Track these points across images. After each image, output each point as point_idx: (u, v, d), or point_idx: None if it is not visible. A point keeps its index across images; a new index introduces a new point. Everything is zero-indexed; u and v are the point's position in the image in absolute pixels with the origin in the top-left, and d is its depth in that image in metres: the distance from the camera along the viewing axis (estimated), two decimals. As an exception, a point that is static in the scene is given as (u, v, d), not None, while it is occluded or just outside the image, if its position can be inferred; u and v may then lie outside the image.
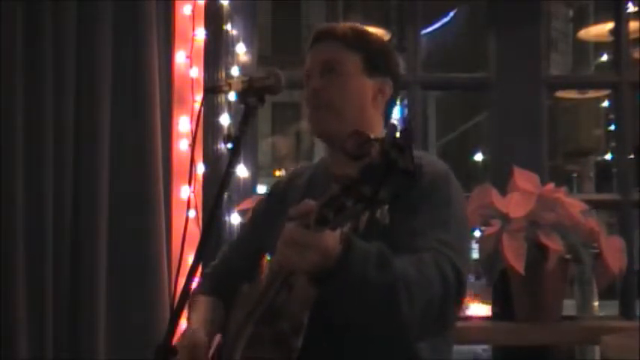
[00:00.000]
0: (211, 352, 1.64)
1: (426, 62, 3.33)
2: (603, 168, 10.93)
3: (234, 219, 2.77)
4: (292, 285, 1.41)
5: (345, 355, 1.49)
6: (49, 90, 2.66)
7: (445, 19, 14.24)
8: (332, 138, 1.66)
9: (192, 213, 2.68)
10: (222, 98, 2.82)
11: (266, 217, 1.78)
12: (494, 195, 2.58)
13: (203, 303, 1.72)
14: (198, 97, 2.80)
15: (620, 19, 3.12)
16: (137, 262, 2.68)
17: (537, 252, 2.49)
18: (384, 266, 1.33)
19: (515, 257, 2.45)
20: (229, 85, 1.54)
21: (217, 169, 2.80)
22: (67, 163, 2.67)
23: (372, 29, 1.83)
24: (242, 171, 2.84)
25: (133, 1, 2.75)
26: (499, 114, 3.03)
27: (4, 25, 2.66)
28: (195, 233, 2.41)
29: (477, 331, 2.75)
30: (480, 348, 5.73)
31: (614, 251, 2.58)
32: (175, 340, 1.34)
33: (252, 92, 1.51)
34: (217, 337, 1.66)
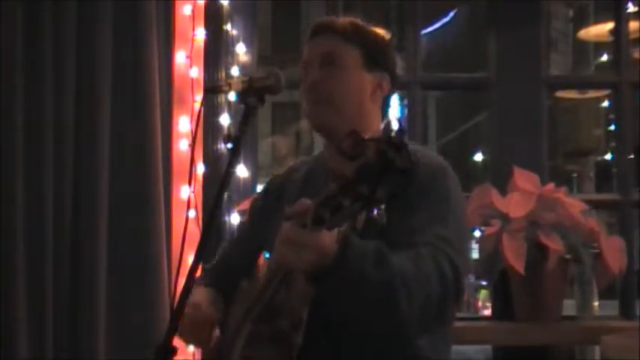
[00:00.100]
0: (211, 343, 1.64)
1: (426, 62, 3.33)
2: (603, 168, 10.93)
3: (234, 219, 2.77)
4: (291, 282, 1.41)
5: (344, 352, 1.49)
6: (49, 90, 2.66)
7: (445, 19, 14.24)
8: (331, 132, 1.66)
9: (192, 213, 2.68)
10: (222, 98, 2.82)
11: (263, 213, 1.78)
12: (494, 195, 2.58)
13: (204, 289, 1.71)
14: (198, 97, 2.80)
15: (620, 19, 3.12)
16: (137, 262, 2.68)
17: (537, 252, 2.49)
18: (382, 263, 1.33)
19: (515, 257, 2.46)
20: (229, 85, 1.54)
21: (217, 169, 2.80)
22: (67, 163, 2.67)
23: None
24: (242, 171, 2.84)
25: (133, 1, 2.75)
26: (499, 114, 3.03)
27: (4, 25, 2.66)
28: (195, 233, 2.41)
29: (477, 331, 2.75)
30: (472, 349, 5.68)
31: (614, 251, 2.58)
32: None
33: (252, 92, 1.51)
34: (216, 333, 1.65)
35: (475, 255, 2.76)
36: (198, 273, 1.77)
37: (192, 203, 2.65)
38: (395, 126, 1.21)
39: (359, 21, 1.71)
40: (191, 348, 2.48)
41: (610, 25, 3.56)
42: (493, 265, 2.56)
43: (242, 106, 1.51)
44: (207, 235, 1.45)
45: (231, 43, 2.90)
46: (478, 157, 12.83)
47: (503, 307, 2.74)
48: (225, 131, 2.80)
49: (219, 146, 2.83)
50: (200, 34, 2.85)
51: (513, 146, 2.95)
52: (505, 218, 2.54)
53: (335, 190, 1.19)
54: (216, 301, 1.66)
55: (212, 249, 1.94)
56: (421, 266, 1.38)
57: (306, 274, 1.32)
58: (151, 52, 2.74)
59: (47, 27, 2.68)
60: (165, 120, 2.79)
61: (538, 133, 2.99)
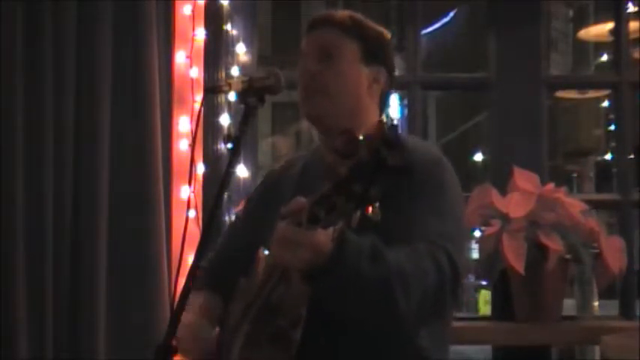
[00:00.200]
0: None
1: (426, 62, 3.33)
2: (603, 168, 10.92)
3: (234, 219, 2.77)
4: (289, 280, 1.41)
5: (343, 349, 1.49)
6: (49, 90, 2.66)
7: (445, 19, 14.24)
8: (326, 124, 1.66)
9: (192, 213, 2.68)
10: (222, 98, 2.82)
11: (260, 207, 1.78)
12: (494, 195, 2.58)
13: (200, 297, 1.71)
14: (198, 97, 2.80)
15: (620, 19, 3.12)
16: (137, 262, 2.67)
17: (537, 252, 2.49)
18: (378, 260, 1.33)
19: (515, 257, 2.46)
20: (229, 85, 1.54)
21: (217, 169, 2.80)
22: (67, 163, 2.67)
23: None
24: (242, 171, 2.84)
25: (133, 1, 2.75)
26: (499, 114, 3.03)
27: (4, 25, 2.66)
28: (195, 233, 2.41)
29: (477, 331, 2.75)
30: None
31: (614, 251, 2.58)
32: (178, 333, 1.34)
33: (252, 92, 1.50)
34: (216, 331, 1.66)
35: (475, 255, 2.76)
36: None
37: (192, 203, 2.65)
38: (388, 122, 1.21)
39: (358, 15, 1.70)
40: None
41: (610, 25, 3.56)
42: (493, 265, 2.56)
43: (242, 106, 1.51)
44: (207, 235, 1.45)
45: (231, 43, 2.90)
46: (478, 157, 12.82)
47: (503, 307, 2.74)
48: (225, 131, 2.79)
49: (219, 146, 2.83)
50: (200, 34, 2.85)
51: (513, 146, 2.95)
52: (505, 218, 2.54)
53: (329, 189, 1.20)
54: (213, 312, 1.66)
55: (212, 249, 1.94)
56: (418, 261, 1.38)
57: (303, 273, 1.32)
58: (151, 52, 2.74)
59: (47, 27, 2.68)
60: (165, 120, 2.79)
61: (538, 133, 2.99)
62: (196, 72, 2.84)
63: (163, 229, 2.70)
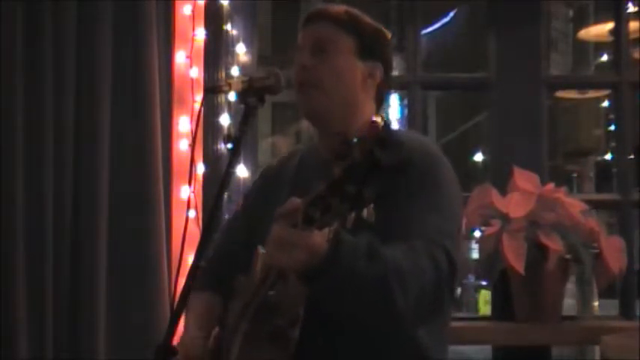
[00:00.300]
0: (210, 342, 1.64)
1: (426, 62, 3.33)
2: (603, 168, 10.92)
3: (234, 219, 2.77)
4: (286, 279, 1.41)
5: (342, 349, 1.49)
6: (49, 90, 2.67)
7: (445, 19, 14.22)
8: (320, 118, 1.66)
9: (192, 213, 2.68)
10: (222, 98, 2.82)
11: (258, 202, 1.78)
12: (494, 195, 2.59)
13: (199, 302, 1.71)
14: (198, 97, 2.80)
15: (620, 19, 3.12)
16: (137, 262, 2.68)
17: (537, 252, 2.49)
18: (374, 259, 1.33)
19: (515, 257, 2.46)
20: (229, 85, 1.54)
21: (217, 169, 2.80)
22: (67, 163, 2.67)
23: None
24: (242, 171, 2.84)
25: (133, 1, 2.75)
26: (499, 114, 3.03)
27: (4, 25, 2.66)
28: (195, 233, 2.41)
29: (477, 331, 2.75)
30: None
31: (614, 251, 2.58)
32: (175, 341, 1.34)
33: (252, 92, 1.51)
34: (215, 330, 1.66)
35: (475, 255, 2.76)
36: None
37: (192, 203, 2.65)
38: (381, 121, 1.20)
39: (354, 10, 1.70)
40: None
41: (610, 25, 3.56)
42: (493, 265, 2.56)
43: (242, 106, 1.51)
44: (207, 235, 1.45)
45: (231, 43, 2.90)
46: (478, 157, 12.81)
47: (503, 307, 2.74)
48: (225, 131, 2.79)
49: (219, 146, 2.83)
50: (200, 34, 2.85)
51: (513, 146, 2.95)
52: (505, 218, 2.54)
53: (324, 190, 1.20)
54: (210, 316, 1.66)
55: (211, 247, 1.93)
56: (415, 259, 1.38)
57: (299, 274, 1.32)
58: (151, 52, 2.74)
59: (47, 27, 2.68)
60: (165, 120, 2.79)
61: (538, 133, 2.99)
62: (196, 72, 2.84)
63: (163, 229, 2.71)
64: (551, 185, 2.64)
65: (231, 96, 2.77)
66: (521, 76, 2.99)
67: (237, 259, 1.65)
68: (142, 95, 2.72)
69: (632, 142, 3.06)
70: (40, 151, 2.64)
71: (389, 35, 1.73)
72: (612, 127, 5.50)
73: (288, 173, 1.74)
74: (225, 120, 2.83)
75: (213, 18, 2.88)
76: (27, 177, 2.63)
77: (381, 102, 1.73)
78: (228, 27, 2.90)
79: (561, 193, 2.60)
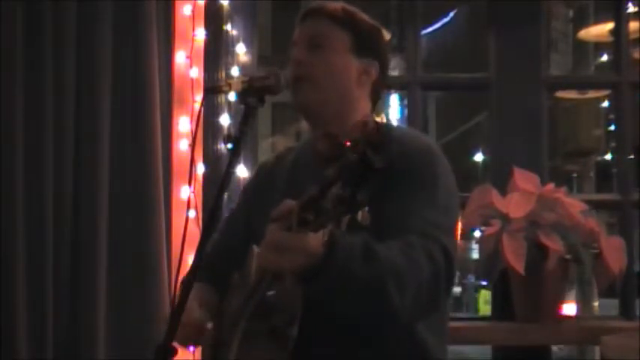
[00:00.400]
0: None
1: (426, 62, 3.32)
2: (603, 168, 10.92)
3: (234, 219, 2.77)
4: (283, 279, 1.41)
5: (341, 347, 1.49)
6: (49, 90, 2.66)
7: (445, 19, 14.22)
8: (313, 113, 1.66)
9: (192, 213, 2.68)
10: (222, 98, 2.83)
11: (255, 199, 1.78)
12: (495, 195, 2.58)
13: (196, 288, 1.70)
14: (198, 97, 2.80)
15: (620, 19, 3.12)
16: (137, 262, 2.68)
17: (537, 252, 2.49)
18: (370, 258, 1.32)
19: (515, 257, 2.46)
20: (229, 85, 1.54)
21: (217, 169, 2.80)
22: (67, 163, 2.67)
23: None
24: (242, 171, 2.84)
25: (133, 1, 2.75)
26: (499, 114, 3.03)
27: (4, 25, 2.66)
28: (195, 233, 2.41)
29: (477, 331, 2.75)
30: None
31: (614, 251, 2.58)
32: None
33: (252, 92, 1.50)
34: (207, 330, 1.65)
35: (475, 255, 2.76)
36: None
37: (192, 203, 2.65)
38: (373, 122, 1.19)
39: (351, 7, 1.70)
40: (191, 348, 2.48)
41: (610, 25, 3.56)
42: (493, 265, 2.56)
43: (242, 106, 1.51)
44: (207, 235, 1.45)
45: (231, 43, 2.90)
46: (478, 157, 12.82)
47: (503, 307, 2.74)
48: (225, 131, 2.80)
49: (219, 146, 2.84)
50: (200, 34, 2.85)
51: (513, 146, 2.95)
52: (505, 218, 2.54)
53: (318, 192, 1.20)
54: (207, 300, 1.66)
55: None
56: (412, 255, 1.38)
57: (295, 276, 1.32)
58: (151, 52, 2.74)
59: (47, 27, 2.68)
60: (165, 120, 2.79)
61: (538, 133, 2.99)
62: (196, 72, 2.84)
63: (163, 229, 2.71)
64: (551, 185, 2.64)
65: (231, 96, 2.77)
66: (521, 77, 2.99)
67: (235, 256, 1.65)
68: (142, 95, 2.72)
69: (632, 142, 3.06)
70: (40, 151, 2.64)
71: (386, 33, 1.73)
72: (612, 127, 5.51)
73: (284, 169, 1.74)
74: (225, 120, 2.83)
75: (213, 18, 2.88)
76: (27, 177, 2.62)
77: (377, 99, 1.73)
78: (228, 27, 2.90)
79: (561, 194, 2.59)
